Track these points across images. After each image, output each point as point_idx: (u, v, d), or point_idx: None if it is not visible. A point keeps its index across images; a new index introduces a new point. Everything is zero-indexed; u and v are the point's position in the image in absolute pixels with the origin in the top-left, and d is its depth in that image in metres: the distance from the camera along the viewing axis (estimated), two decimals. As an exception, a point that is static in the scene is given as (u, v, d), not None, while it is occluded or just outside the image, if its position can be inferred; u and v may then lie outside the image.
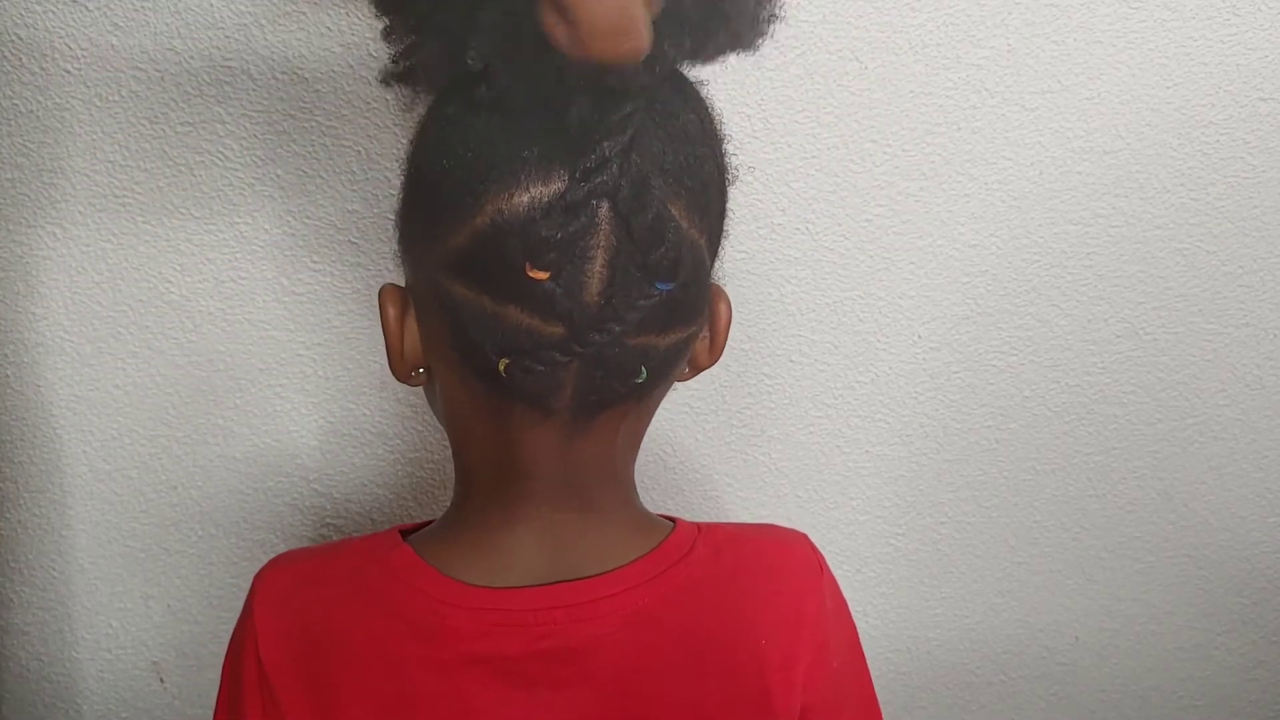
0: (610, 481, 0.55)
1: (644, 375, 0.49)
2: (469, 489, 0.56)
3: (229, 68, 0.74)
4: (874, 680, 1.04)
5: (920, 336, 0.89)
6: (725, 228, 0.54)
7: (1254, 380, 0.94)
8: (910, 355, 0.89)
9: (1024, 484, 0.95)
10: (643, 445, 0.58)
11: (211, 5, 0.73)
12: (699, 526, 0.58)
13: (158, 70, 0.74)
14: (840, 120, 0.81)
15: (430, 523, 0.59)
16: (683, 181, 0.47)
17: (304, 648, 0.54)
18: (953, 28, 0.79)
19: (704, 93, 0.52)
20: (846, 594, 0.97)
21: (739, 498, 0.93)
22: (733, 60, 0.77)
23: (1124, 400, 0.94)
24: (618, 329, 0.46)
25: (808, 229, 0.84)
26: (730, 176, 0.53)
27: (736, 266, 0.84)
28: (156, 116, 0.75)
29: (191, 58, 0.74)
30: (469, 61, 0.43)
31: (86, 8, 0.72)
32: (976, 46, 0.80)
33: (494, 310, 0.47)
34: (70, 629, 0.89)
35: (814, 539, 0.96)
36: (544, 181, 0.45)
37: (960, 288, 0.88)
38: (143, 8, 0.73)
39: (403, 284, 0.54)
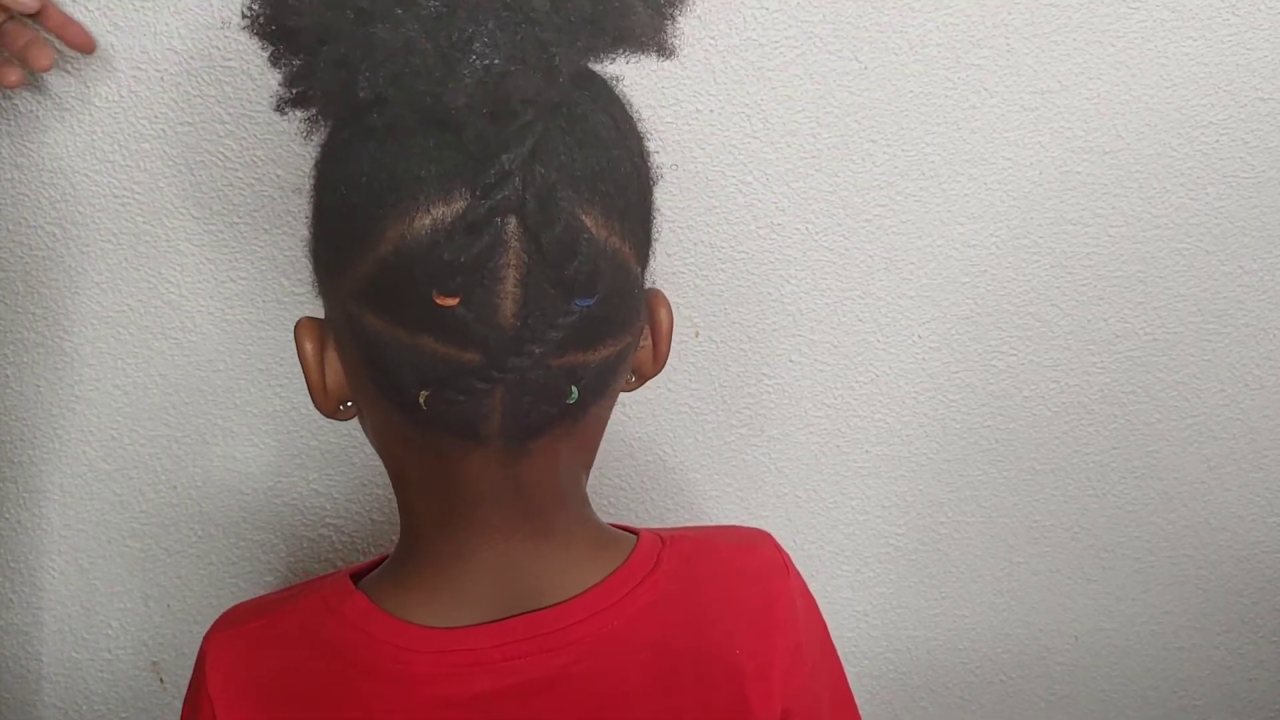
0: (561, 502, 0.53)
1: (575, 395, 0.47)
2: (414, 524, 0.54)
3: (229, 68, 0.74)
4: (873, 680, 1.04)
5: (920, 336, 0.89)
6: (655, 230, 0.51)
7: (1253, 380, 0.94)
8: (910, 355, 0.89)
9: (1024, 484, 0.95)
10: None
11: (211, 5, 0.73)
12: (662, 538, 0.56)
13: (158, 70, 0.74)
14: (840, 120, 0.81)
15: (382, 560, 0.57)
16: (596, 188, 0.45)
17: (266, 711, 0.52)
18: (953, 28, 0.79)
19: (619, 90, 0.49)
20: (846, 594, 0.97)
21: (739, 498, 0.93)
22: (732, 61, 0.78)
23: (1124, 400, 0.94)
24: (538, 351, 0.44)
25: (808, 229, 0.84)
26: (653, 176, 0.50)
27: (736, 267, 0.84)
28: (156, 116, 0.75)
29: (191, 58, 0.74)
30: (360, 92, 0.41)
31: (86, 8, 0.72)
32: (976, 46, 0.80)
33: (408, 341, 0.44)
34: (70, 629, 0.89)
35: (814, 539, 0.96)
36: (445, 202, 0.42)
37: (960, 288, 0.88)
38: (143, 8, 0.73)
39: (322, 316, 0.52)
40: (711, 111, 0.79)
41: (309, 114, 0.46)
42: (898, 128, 0.81)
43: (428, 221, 0.43)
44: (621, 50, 0.46)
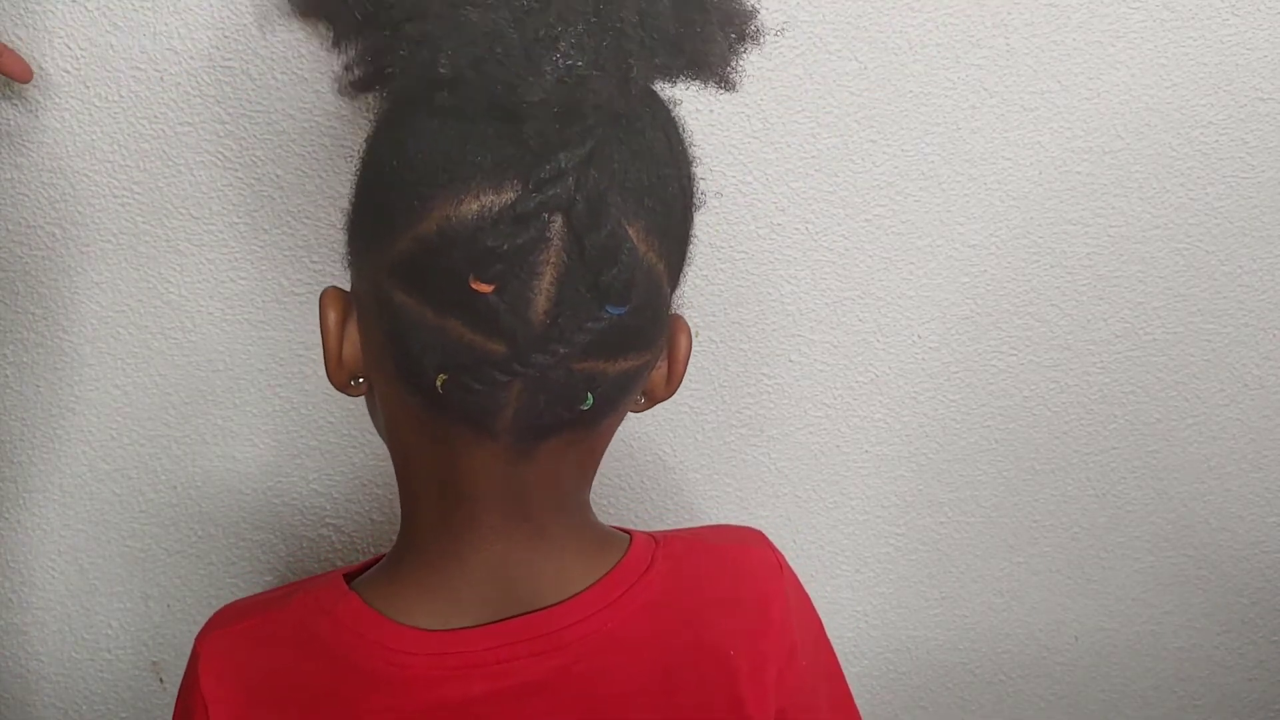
0: (559, 508, 0.53)
1: (590, 402, 0.47)
2: (414, 519, 0.54)
3: (229, 68, 0.74)
4: (873, 680, 1.04)
5: (920, 336, 0.89)
6: (689, 254, 0.51)
7: (1253, 380, 0.94)
8: (910, 355, 0.89)
9: (1024, 484, 0.95)
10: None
11: (211, 5, 0.73)
12: (655, 539, 0.57)
13: (157, 70, 0.74)
14: (840, 120, 0.81)
15: (377, 560, 0.57)
16: (643, 202, 0.45)
17: (259, 712, 0.52)
18: (953, 28, 0.79)
19: (676, 113, 0.50)
20: (846, 594, 0.97)
21: (739, 498, 0.93)
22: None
23: (1123, 400, 0.94)
24: (562, 351, 0.44)
25: (808, 229, 0.84)
26: (696, 201, 0.51)
27: (736, 267, 0.84)
28: (156, 116, 0.75)
29: (191, 58, 0.74)
30: (441, 69, 0.42)
31: (86, 8, 0.72)
32: (976, 46, 0.80)
33: (435, 322, 0.45)
34: (70, 629, 0.89)
35: (814, 539, 0.96)
36: (495, 190, 0.43)
37: (960, 288, 0.88)
38: (143, 8, 0.73)
39: (348, 289, 0.52)
40: (711, 111, 0.79)
41: (376, 93, 0.46)
42: (898, 128, 0.81)
43: (476, 207, 0.43)
44: (691, 75, 0.46)
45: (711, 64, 0.46)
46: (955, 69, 0.80)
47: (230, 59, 0.74)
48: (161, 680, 0.91)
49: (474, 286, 0.43)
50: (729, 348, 0.87)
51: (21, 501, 0.85)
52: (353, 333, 0.51)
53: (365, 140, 0.50)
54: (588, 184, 0.43)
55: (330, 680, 0.52)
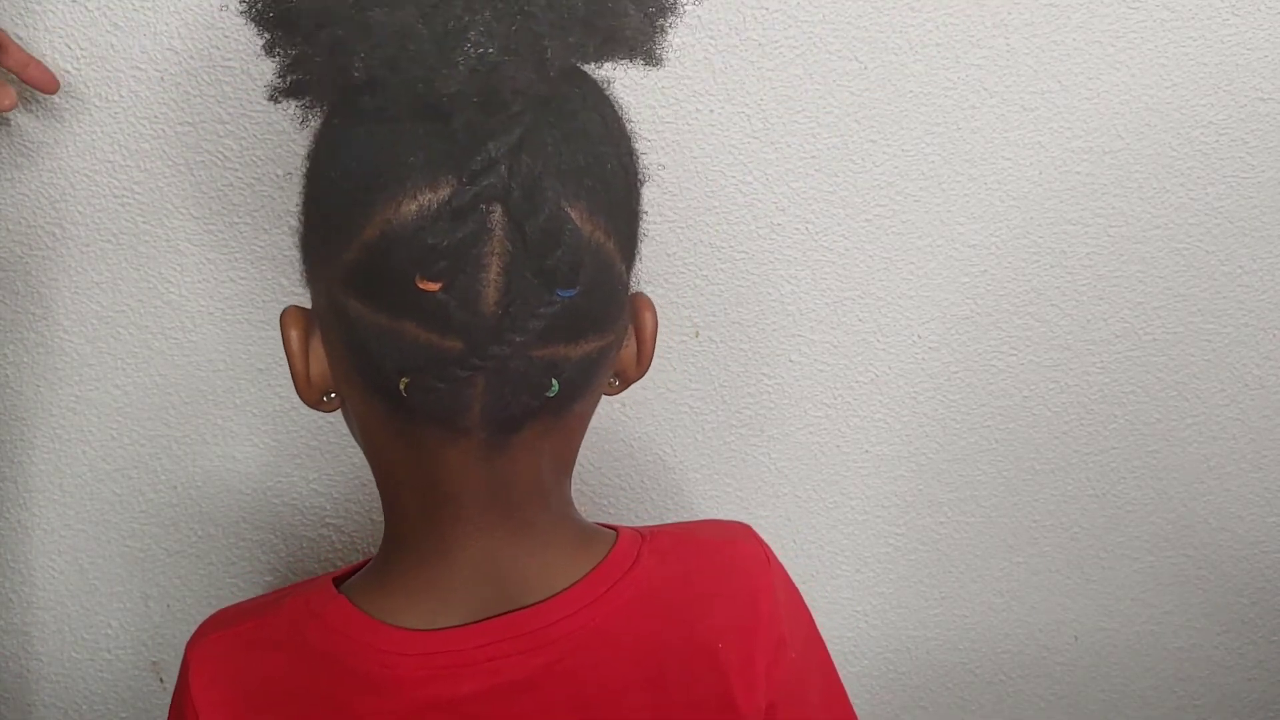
0: (541, 500, 0.53)
1: (555, 388, 0.47)
2: (398, 521, 0.54)
3: (229, 68, 0.74)
4: (873, 680, 1.04)
5: (920, 336, 0.89)
6: (641, 230, 0.51)
7: (1253, 380, 0.94)
8: (910, 355, 0.89)
9: (1024, 484, 0.95)
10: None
11: (211, 5, 0.73)
12: (642, 534, 0.57)
13: (157, 70, 0.74)
14: (840, 120, 0.81)
15: (365, 563, 0.57)
16: (582, 182, 0.45)
17: (251, 717, 0.53)
18: (953, 28, 0.79)
19: (609, 91, 0.50)
20: (846, 594, 0.97)
21: (739, 498, 0.93)
22: (732, 61, 0.78)
23: (1123, 400, 0.94)
24: (519, 340, 0.44)
25: (808, 229, 0.84)
26: (640, 176, 0.51)
27: (736, 267, 0.84)
28: (156, 116, 0.75)
29: (191, 58, 0.74)
30: (355, 73, 0.42)
31: (86, 8, 0.72)
32: (976, 46, 0.80)
33: (390, 327, 0.45)
34: (70, 629, 0.89)
35: (814, 539, 0.96)
36: (431, 188, 0.43)
37: (960, 288, 0.88)
38: (143, 8, 0.73)
39: (309, 306, 0.52)
40: (711, 111, 0.79)
41: (304, 102, 0.47)
42: (898, 128, 0.81)
43: (414, 207, 0.43)
44: (611, 52, 0.46)
45: (629, 40, 0.46)
46: (955, 69, 0.80)
47: (230, 59, 0.74)
48: (161, 680, 0.91)
49: (421, 286, 0.43)
50: (729, 348, 0.87)
51: (21, 501, 0.85)
52: (318, 349, 0.50)
53: (305, 156, 0.50)
54: (521, 170, 0.43)
55: (321, 683, 0.52)
